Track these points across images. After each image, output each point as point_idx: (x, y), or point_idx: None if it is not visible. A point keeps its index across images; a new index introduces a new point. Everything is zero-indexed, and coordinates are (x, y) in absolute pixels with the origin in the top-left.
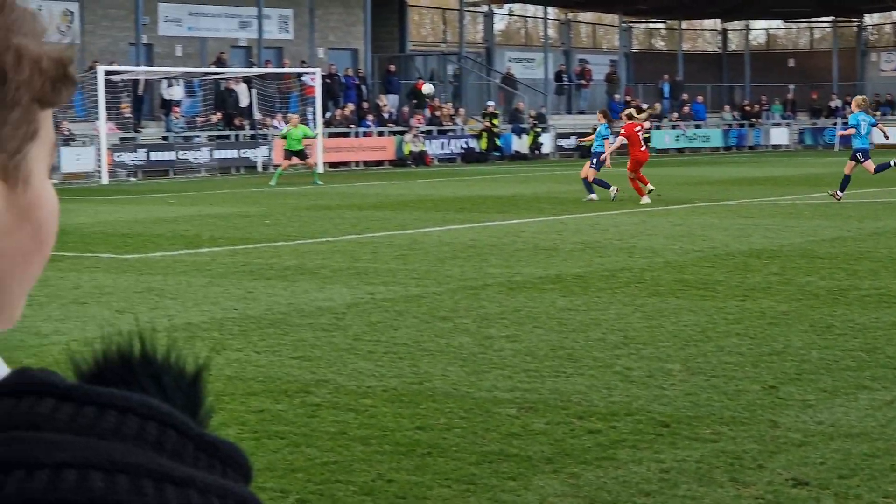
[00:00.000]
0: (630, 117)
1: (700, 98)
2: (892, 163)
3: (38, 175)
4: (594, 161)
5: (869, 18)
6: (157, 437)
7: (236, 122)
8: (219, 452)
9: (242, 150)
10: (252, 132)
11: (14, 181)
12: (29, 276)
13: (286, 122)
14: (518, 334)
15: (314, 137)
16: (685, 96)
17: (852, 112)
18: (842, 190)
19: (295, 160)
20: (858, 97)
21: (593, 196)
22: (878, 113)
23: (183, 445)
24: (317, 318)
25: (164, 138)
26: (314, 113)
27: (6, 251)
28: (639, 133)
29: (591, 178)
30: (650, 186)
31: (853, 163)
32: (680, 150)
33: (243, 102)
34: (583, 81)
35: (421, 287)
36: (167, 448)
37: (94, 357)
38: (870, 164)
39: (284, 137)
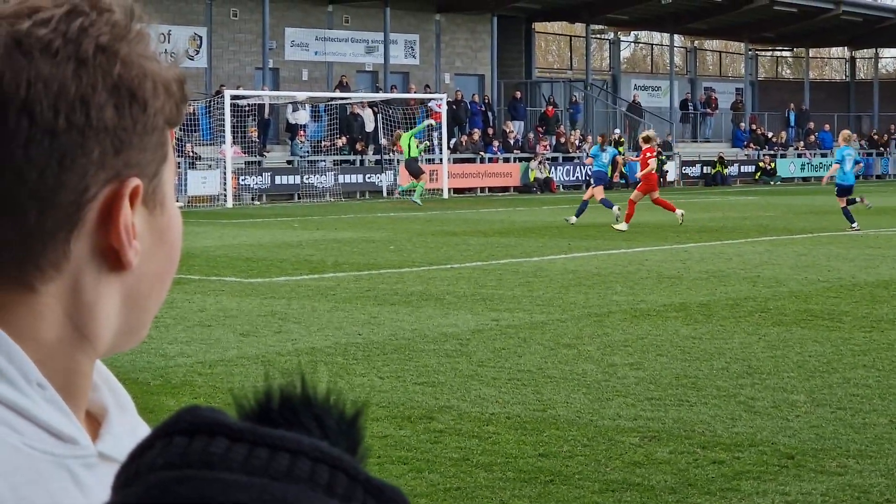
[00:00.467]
0: (647, 140)
1: (827, 127)
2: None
3: (170, 196)
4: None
5: None
6: (329, 481)
7: (358, 146)
8: (384, 496)
9: (367, 175)
10: (377, 157)
11: (153, 205)
12: (162, 295)
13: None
14: (642, 362)
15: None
16: (811, 125)
17: None
18: None
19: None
20: None
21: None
22: None
23: (353, 489)
24: (441, 343)
25: (289, 162)
26: (440, 138)
27: (147, 274)
28: (649, 158)
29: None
30: (616, 211)
31: None
32: (805, 179)
33: (368, 127)
34: (708, 110)
35: (545, 314)
36: (338, 492)
37: (257, 397)
38: None
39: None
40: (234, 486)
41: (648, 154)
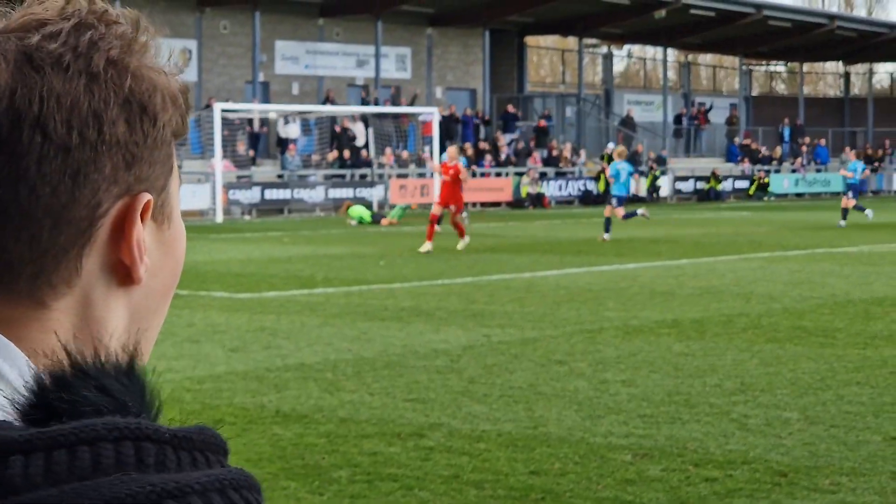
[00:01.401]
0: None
1: (822, 142)
2: (637, 212)
3: (176, 209)
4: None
5: None
6: (137, 456)
7: (347, 158)
8: (195, 444)
9: (358, 189)
10: (368, 171)
11: (162, 219)
12: (165, 311)
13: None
14: (634, 379)
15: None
16: (806, 140)
17: None
18: None
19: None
20: None
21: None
22: None
23: (163, 453)
24: (432, 360)
25: (280, 177)
26: (431, 152)
27: (155, 288)
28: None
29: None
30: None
31: None
32: (799, 195)
33: (360, 141)
34: (697, 122)
35: (537, 330)
36: (150, 462)
37: (30, 390)
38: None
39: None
40: (45, 502)
41: (452, 171)
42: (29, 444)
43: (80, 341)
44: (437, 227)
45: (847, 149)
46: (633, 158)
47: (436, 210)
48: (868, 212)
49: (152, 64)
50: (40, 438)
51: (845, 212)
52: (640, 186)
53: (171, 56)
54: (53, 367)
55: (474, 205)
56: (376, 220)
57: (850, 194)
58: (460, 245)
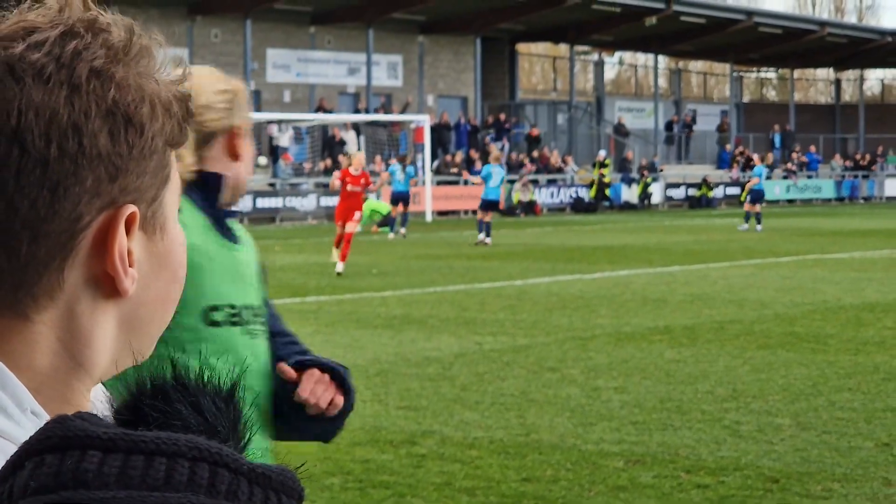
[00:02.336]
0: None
1: (813, 148)
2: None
3: (172, 220)
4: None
5: None
6: (210, 480)
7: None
8: (272, 483)
9: None
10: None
11: (153, 230)
12: (165, 320)
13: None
14: (626, 386)
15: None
16: (797, 147)
17: None
18: None
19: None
20: None
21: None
22: None
23: (237, 483)
24: (423, 367)
25: (271, 185)
26: (423, 160)
27: (147, 300)
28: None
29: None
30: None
31: None
32: (790, 201)
33: (352, 149)
34: (687, 130)
35: (529, 337)
36: (221, 490)
37: (128, 390)
38: None
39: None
40: (111, 503)
41: (363, 181)
42: (111, 443)
43: (66, 354)
44: (391, 236)
45: (837, 156)
46: (623, 165)
47: (349, 227)
48: (743, 226)
49: (145, 72)
50: (123, 440)
51: (748, 215)
52: (524, 193)
53: (178, 64)
54: (158, 376)
55: (466, 212)
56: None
57: (749, 199)
58: (339, 267)
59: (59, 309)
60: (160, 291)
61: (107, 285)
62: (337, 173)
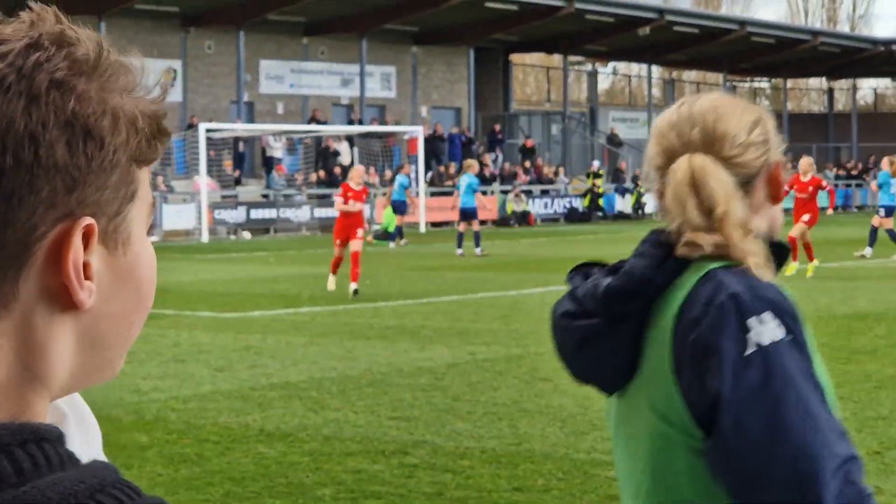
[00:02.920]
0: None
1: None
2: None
3: (138, 235)
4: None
5: None
6: None
7: (335, 175)
8: None
9: None
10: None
11: (114, 244)
12: (130, 334)
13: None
14: None
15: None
16: (789, 156)
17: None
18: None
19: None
20: None
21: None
22: None
23: None
24: (416, 378)
25: (265, 196)
26: (416, 171)
27: (108, 313)
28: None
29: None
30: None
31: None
32: (785, 211)
33: (345, 161)
34: None
35: (522, 347)
36: None
37: None
38: None
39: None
40: None
41: (351, 195)
42: None
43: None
44: (392, 245)
45: (830, 165)
46: (617, 175)
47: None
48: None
49: (111, 87)
50: None
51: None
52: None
53: (158, 80)
54: None
55: (458, 223)
56: (392, 236)
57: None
58: (353, 286)
59: (15, 320)
60: (123, 306)
61: (63, 297)
62: (338, 193)
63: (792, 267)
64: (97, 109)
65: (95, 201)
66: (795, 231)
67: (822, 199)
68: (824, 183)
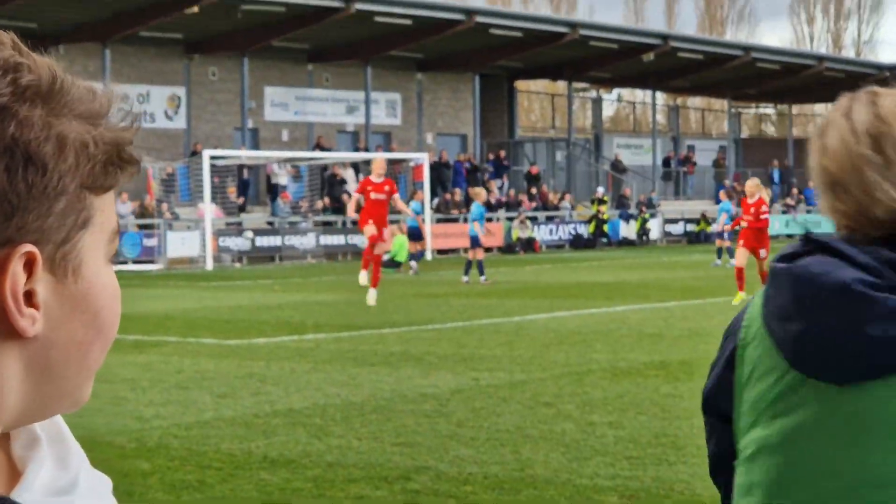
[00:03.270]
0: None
1: (812, 183)
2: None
3: (93, 263)
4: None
5: None
6: None
7: (342, 203)
8: None
9: (349, 236)
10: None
11: (63, 272)
12: (89, 363)
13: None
14: (621, 421)
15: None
16: (794, 181)
17: None
18: None
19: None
20: None
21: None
22: None
23: None
24: (420, 404)
25: (270, 223)
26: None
27: (59, 342)
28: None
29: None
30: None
31: None
32: (789, 236)
33: (351, 188)
34: (685, 168)
35: (525, 373)
36: None
37: None
38: None
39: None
40: None
41: (388, 188)
42: None
43: None
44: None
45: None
46: (621, 202)
47: (379, 249)
48: (717, 262)
49: (61, 112)
50: None
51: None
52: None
53: (145, 102)
54: None
55: (465, 250)
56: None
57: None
58: (371, 298)
59: None
60: (76, 334)
61: (4, 325)
62: (357, 188)
63: (739, 296)
64: (40, 135)
65: (38, 228)
66: (742, 260)
67: (786, 224)
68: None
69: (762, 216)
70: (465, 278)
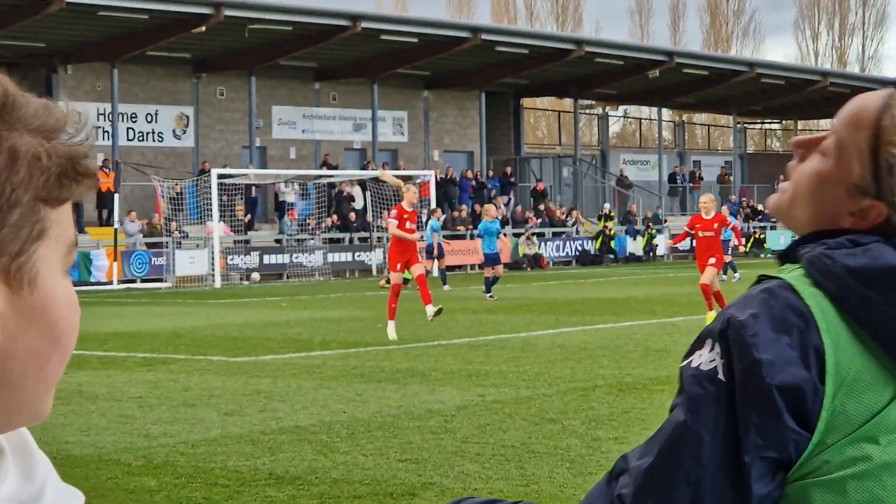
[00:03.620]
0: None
1: None
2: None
3: (49, 275)
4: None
5: None
6: None
7: (351, 221)
8: None
9: (357, 254)
10: (366, 235)
11: (18, 283)
12: (46, 374)
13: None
14: (626, 436)
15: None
16: None
17: None
18: None
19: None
20: None
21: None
22: None
23: None
24: (426, 420)
25: (278, 241)
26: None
27: (15, 353)
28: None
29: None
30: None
31: None
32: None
33: (359, 205)
34: (691, 184)
35: (531, 389)
36: None
37: None
38: None
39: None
40: None
41: (406, 216)
42: None
43: None
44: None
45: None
46: (628, 218)
47: (417, 270)
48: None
49: (14, 126)
50: None
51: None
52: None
53: (152, 122)
54: None
55: (472, 267)
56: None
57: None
58: (430, 311)
59: None
60: (31, 345)
61: None
62: (392, 215)
63: (710, 317)
64: None
65: None
66: (706, 278)
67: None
68: (728, 220)
69: (717, 232)
70: (489, 295)
